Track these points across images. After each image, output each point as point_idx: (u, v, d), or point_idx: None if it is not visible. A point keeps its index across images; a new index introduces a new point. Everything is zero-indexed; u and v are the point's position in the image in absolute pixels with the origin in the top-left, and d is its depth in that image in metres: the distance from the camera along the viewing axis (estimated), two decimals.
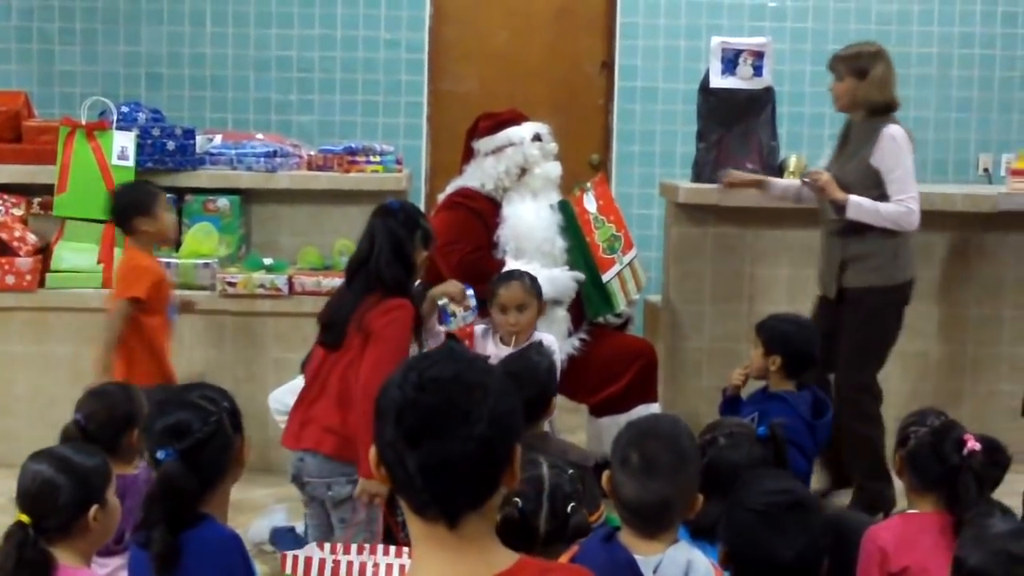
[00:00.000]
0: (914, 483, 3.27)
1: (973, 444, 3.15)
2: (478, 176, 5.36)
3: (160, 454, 2.76)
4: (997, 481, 3.20)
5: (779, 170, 6.02)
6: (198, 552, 2.73)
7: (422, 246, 4.10)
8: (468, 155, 5.48)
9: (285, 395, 4.97)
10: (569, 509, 2.81)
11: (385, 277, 3.97)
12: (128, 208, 4.86)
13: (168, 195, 5.94)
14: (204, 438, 2.78)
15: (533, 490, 2.78)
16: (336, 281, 5.14)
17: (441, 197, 5.51)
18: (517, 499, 2.72)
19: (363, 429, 3.72)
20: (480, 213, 5.31)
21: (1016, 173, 6.06)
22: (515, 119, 5.44)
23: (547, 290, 5.04)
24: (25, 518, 2.73)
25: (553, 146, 5.44)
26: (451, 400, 1.74)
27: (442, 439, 1.73)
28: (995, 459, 3.20)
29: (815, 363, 4.26)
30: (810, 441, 4.00)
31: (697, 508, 2.70)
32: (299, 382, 4.76)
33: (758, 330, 4.32)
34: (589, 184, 5.49)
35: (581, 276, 5.24)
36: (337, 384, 3.96)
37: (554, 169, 5.39)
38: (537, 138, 5.37)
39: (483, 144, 5.39)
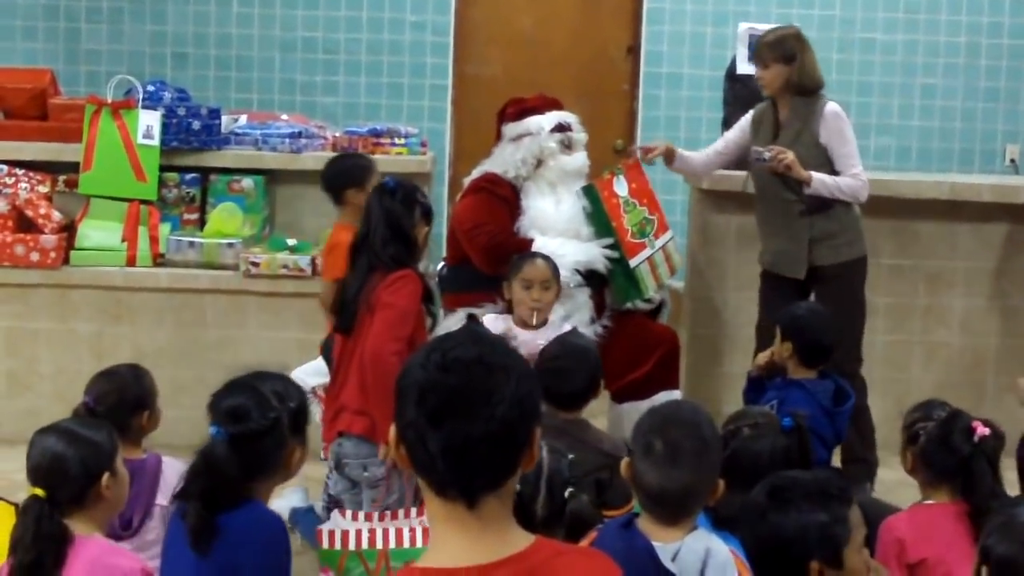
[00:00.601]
0: (928, 477, 3.28)
1: (983, 430, 3.18)
2: (500, 163, 5.33)
3: (213, 430, 2.78)
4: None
5: None
6: (245, 529, 2.74)
7: (423, 222, 4.10)
8: (499, 138, 5.44)
9: (306, 375, 4.97)
10: (567, 495, 2.80)
11: (383, 255, 3.97)
12: (341, 179, 4.89)
13: (192, 174, 6.01)
14: (258, 430, 2.79)
15: (532, 474, 2.76)
16: None
17: (467, 181, 5.49)
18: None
19: (378, 395, 3.74)
20: (504, 199, 5.29)
21: None
22: (540, 107, 5.35)
23: (580, 259, 5.03)
24: (40, 491, 2.75)
25: (582, 136, 5.34)
26: (474, 381, 1.74)
27: (465, 420, 1.73)
28: (997, 443, 3.22)
29: (828, 353, 4.23)
30: (829, 429, 3.99)
31: (718, 495, 2.68)
32: (320, 363, 4.78)
33: (777, 317, 4.35)
34: (620, 167, 5.42)
35: (613, 253, 5.21)
36: (358, 369, 3.96)
37: (573, 162, 5.27)
38: (559, 128, 5.29)
39: (508, 130, 5.35)
